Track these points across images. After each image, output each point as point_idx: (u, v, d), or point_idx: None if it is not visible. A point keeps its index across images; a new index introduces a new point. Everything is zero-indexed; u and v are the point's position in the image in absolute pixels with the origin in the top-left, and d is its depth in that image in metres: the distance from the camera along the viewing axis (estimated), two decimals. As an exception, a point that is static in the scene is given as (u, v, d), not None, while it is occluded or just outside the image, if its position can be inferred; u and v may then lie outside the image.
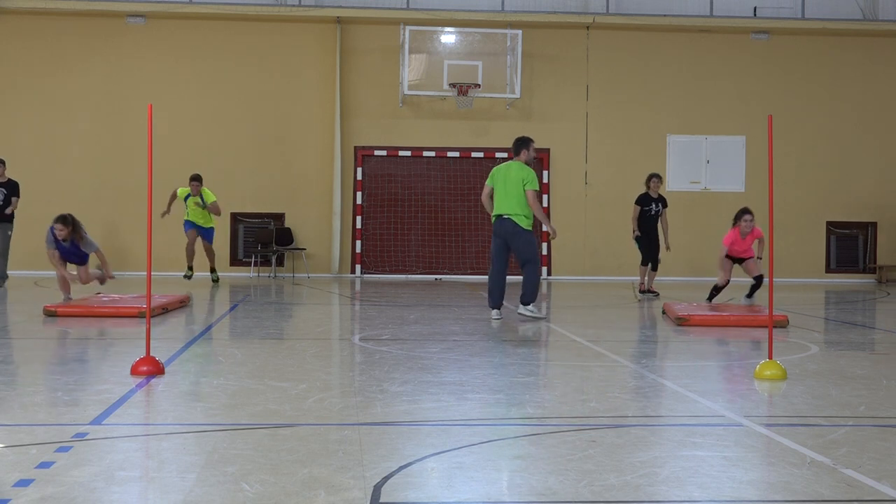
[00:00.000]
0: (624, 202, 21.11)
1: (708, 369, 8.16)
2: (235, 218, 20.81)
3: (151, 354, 7.17)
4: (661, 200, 15.70)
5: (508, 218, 11.47)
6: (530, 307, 11.60)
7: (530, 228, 11.59)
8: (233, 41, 20.75)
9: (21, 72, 20.48)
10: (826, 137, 21.51)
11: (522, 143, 11.88)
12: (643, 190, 15.82)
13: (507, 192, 11.50)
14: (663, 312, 12.21)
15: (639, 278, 16.03)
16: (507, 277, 11.76)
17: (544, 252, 20.99)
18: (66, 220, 11.88)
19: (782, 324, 10.62)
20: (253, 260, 20.64)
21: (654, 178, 15.64)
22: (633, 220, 15.56)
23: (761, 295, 13.36)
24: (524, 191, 11.41)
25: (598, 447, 4.89)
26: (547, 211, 21.01)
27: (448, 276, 20.81)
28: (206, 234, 17.46)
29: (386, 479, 4.24)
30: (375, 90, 20.87)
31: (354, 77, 20.86)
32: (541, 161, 21.02)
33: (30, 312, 11.92)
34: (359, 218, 20.83)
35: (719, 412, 5.90)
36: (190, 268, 17.71)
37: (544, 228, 15.15)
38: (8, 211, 16.95)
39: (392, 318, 11.74)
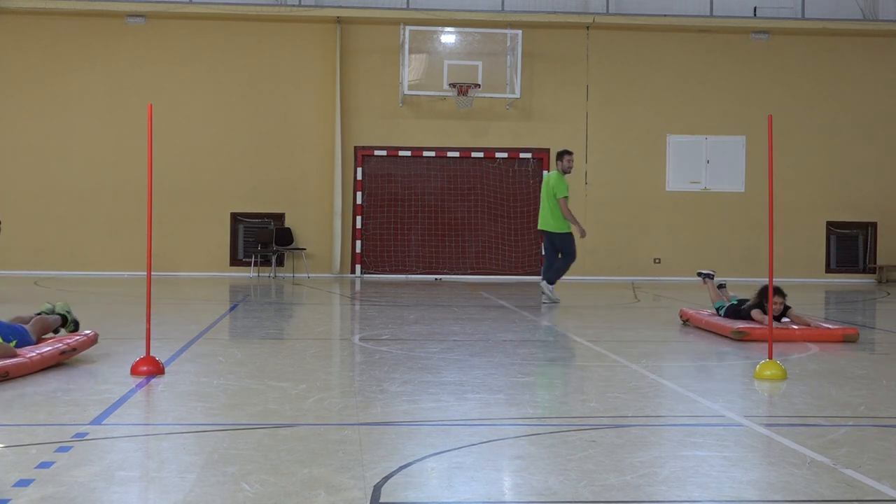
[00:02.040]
0: (624, 202, 21.15)
1: (708, 369, 8.16)
2: (235, 218, 20.82)
3: (151, 354, 7.17)
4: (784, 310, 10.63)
5: (550, 232, 13.81)
6: (551, 287, 13.78)
7: (567, 230, 13.76)
8: (233, 41, 20.75)
9: (21, 72, 20.48)
10: (826, 137, 21.51)
11: (558, 155, 14.09)
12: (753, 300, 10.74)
13: (545, 204, 13.79)
14: (685, 321, 11.08)
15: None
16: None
17: (544, 252, 21.00)
18: None
19: (852, 338, 9.51)
20: (253, 260, 20.64)
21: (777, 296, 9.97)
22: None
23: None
24: (556, 199, 13.60)
25: (598, 447, 4.89)
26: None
27: (448, 276, 20.81)
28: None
29: (386, 479, 4.24)
30: (375, 90, 20.87)
31: (354, 77, 20.86)
32: (541, 161, 21.03)
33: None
34: (359, 218, 20.83)
35: (719, 412, 5.90)
36: None
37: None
38: None
39: (392, 318, 11.75)
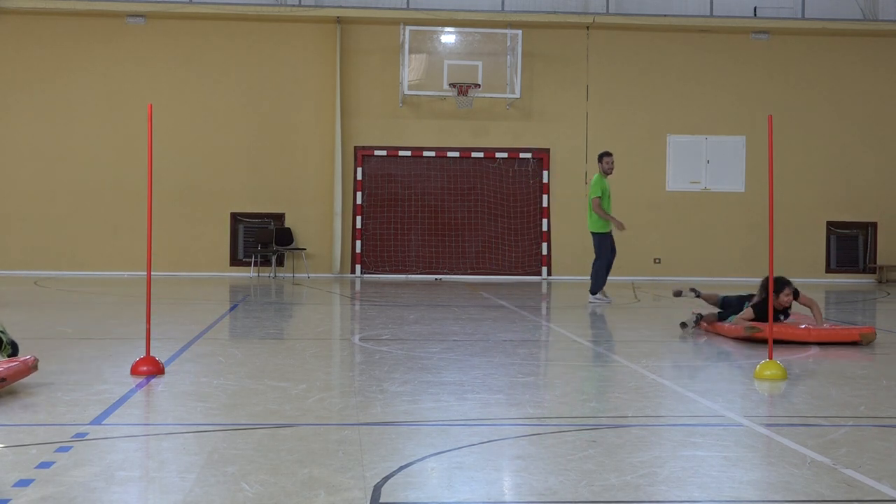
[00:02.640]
0: (624, 202, 21.13)
1: (708, 369, 8.16)
2: (235, 218, 20.82)
3: (151, 354, 7.17)
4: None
5: (591, 232, 14.36)
6: (597, 296, 14.19)
7: (601, 231, 14.19)
8: (233, 41, 20.74)
9: (21, 72, 20.47)
10: (826, 137, 21.51)
11: (598, 157, 14.64)
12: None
13: (587, 204, 14.47)
14: (696, 322, 10.41)
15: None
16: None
17: (544, 252, 21.00)
18: None
19: (869, 338, 9.30)
20: (253, 260, 20.64)
21: (786, 287, 9.63)
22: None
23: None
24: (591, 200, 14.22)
25: (598, 447, 4.89)
26: (545, 211, 21.03)
27: (448, 276, 20.81)
28: None
29: (386, 479, 4.24)
30: (375, 90, 20.87)
31: (354, 77, 20.86)
32: (541, 161, 21.03)
33: (29, 311, 11.92)
34: (359, 218, 20.83)
35: (719, 412, 5.91)
36: None
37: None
38: None
39: (392, 318, 11.75)
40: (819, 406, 6.15)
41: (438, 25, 20.65)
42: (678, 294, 11.50)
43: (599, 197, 14.13)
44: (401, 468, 4.42)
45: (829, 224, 21.67)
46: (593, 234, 14.36)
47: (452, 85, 20.15)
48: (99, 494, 4.00)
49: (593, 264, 14.33)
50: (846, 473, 4.39)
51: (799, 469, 4.48)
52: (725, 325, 9.93)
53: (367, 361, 8.11)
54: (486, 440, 5.12)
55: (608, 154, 14.55)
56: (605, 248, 14.27)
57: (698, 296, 10.88)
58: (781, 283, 9.37)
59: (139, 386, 6.58)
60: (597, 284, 14.24)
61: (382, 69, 20.81)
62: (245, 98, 20.76)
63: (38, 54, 20.49)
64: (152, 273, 7.53)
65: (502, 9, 21.09)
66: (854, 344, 9.25)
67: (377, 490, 4.07)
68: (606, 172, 14.34)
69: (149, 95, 19.36)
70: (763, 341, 8.56)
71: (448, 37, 20.65)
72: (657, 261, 21.07)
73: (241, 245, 20.87)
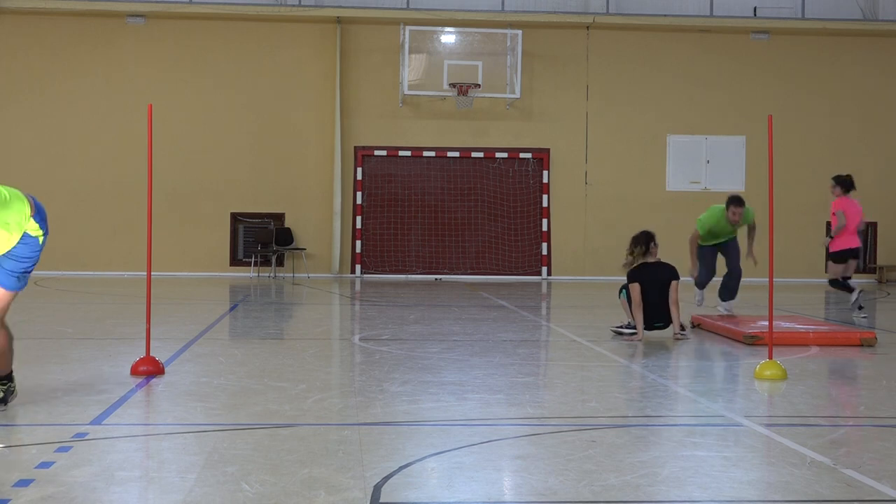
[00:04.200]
0: (624, 202, 21.15)
1: (708, 369, 8.15)
2: (235, 218, 20.81)
3: (151, 354, 7.17)
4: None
5: None
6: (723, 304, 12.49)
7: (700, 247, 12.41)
8: (233, 41, 20.74)
9: (21, 71, 20.47)
10: (826, 137, 21.51)
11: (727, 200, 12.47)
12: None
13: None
14: (696, 326, 10.80)
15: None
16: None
17: (544, 252, 20.99)
18: None
19: (870, 342, 9.34)
20: (253, 260, 20.63)
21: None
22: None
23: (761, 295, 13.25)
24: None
25: (598, 447, 4.89)
26: (545, 211, 21.03)
27: (448, 276, 20.81)
28: None
29: (386, 479, 4.24)
30: (375, 90, 20.87)
31: (354, 77, 20.85)
32: (541, 161, 21.03)
33: (29, 311, 11.91)
34: (359, 218, 20.83)
35: (719, 412, 5.91)
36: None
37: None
38: None
39: (392, 318, 11.75)
40: (819, 406, 6.15)
41: (438, 25, 20.64)
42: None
43: (701, 234, 12.21)
44: (401, 468, 4.43)
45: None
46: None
47: (452, 85, 20.15)
48: (99, 494, 4.00)
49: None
50: (846, 473, 4.39)
51: (799, 469, 4.48)
52: (725, 327, 9.98)
53: (367, 361, 8.11)
54: (486, 440, 5.12)
55: (737, 204, 12.25)
56: (703, 263, 12.39)
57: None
58: (648, 238, 9.92)
59: (139, 386, 6.58)
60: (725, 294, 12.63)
61: (382, 69, 20.80)
62: (245, 98, 20.75)
63: (38, 54, 20.48)
64: (152, 273, 7.53)
65: (502, 9, 21.08)
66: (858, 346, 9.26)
67: (377, 490, 4.08)
68: (731, 222, 12.26)
69: (149, 95, 19.34)
70: (765, 345, 8.57)
71: (448, 37, 20.65)
72: (657, 261, 21.04)
73: (241, 245, 20.86)
